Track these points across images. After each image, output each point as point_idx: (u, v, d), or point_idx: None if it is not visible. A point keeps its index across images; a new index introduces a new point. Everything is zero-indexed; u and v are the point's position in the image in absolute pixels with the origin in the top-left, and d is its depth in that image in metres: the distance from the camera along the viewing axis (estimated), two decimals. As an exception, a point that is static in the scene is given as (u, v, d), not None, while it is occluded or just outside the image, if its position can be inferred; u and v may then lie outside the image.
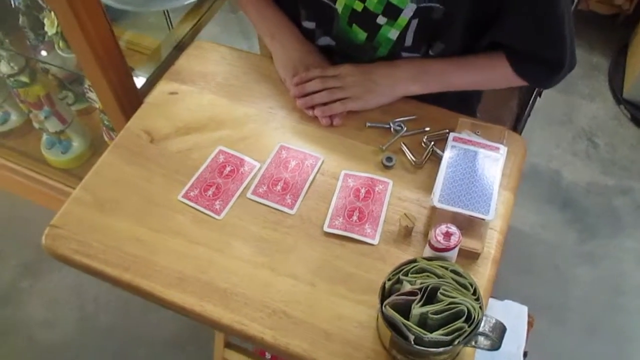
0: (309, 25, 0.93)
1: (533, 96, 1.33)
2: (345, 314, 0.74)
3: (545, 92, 1.50)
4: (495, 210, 0.79)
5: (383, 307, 0.65)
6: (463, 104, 1.00)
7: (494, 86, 1.03)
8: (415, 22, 0.84)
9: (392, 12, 0.83)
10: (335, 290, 0.76)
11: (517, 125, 1.36)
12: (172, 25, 1.54)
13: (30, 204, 1.72)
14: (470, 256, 0.78)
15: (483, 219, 0.77)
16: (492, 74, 0.94)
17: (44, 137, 1.65)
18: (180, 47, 1.18)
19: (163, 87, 0.97)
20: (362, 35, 0.89)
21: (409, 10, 0.82)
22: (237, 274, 0.77)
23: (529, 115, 1.35)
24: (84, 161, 1.67)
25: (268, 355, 1.33)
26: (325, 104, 0.91)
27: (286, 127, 0.92)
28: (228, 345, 1.28)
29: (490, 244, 0.80)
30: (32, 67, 1.47)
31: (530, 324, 1.27)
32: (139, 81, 1.15)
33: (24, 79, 1.46)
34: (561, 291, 1.61)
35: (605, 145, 1.89)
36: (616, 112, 1.97)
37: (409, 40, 0.88)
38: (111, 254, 0.79)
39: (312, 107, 0.92)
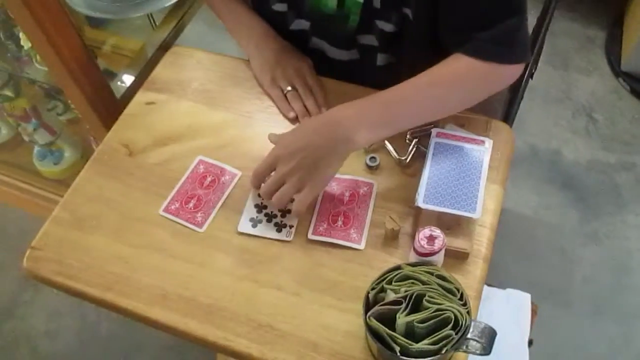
0: (280, 7, 0.90)
1: (525, 77, 1.29)
2: (332, 324, 0.72)
3: (540, 69, 1.46)
4: (483, 207, 0.76)
5: (367, 319, 0.63)
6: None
7: (474, 95, 0.83)
8: None
9: None
10: (321, 300, 0.74)
11: (510, 109, 1.32)
12: (155, 25, 1.52)
13: (26, 215, 1.71)
14: (459, 256, 0.75)
15: (470, 218, 0.75)
16: (462, 80, 0.80)
17: (36, 149, 1.64)
18: (164, 47, 1.15)
19: (140, 97, 0.95)
20: (331, 2, 0.86)
21: None
22: (220, 288, 0.75)
23: (521, 97, 1.31)
24: (77, 170, 1.64)
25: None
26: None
27: (266, 131, 0.90)
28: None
29: (481, 242, 0.77)
30: (15, 80, 1.45)
31: (534, 312, 1.25)
32: (123, 86, 1.13)
33: (8, 93, 1.44)
34: (565, 274, 1.58)
35: (605, 120, 1.85)
36: (615, 85, 1.92)
37: (377, 2, 0.83)
38: (92, 273, 0.78)
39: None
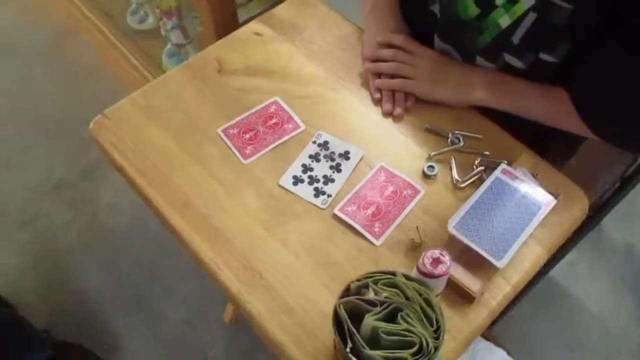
0: None
1: (646, 167, 1.17)
2: (314, 299, 0.71)
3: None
4: (515, 263, 0.71)
5: (337, 305, 0.61)
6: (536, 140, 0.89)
7: (560, 126, 0.86)
8: (532, 16, 0.75)
9: None
10: (316, 272, 0.73)
11: (616, 194, 1.21)
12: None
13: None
14: (464, 296, 0.71)
15: (493, 264, 0.70)
16: (558, 110, 0.82)
17: (168, 46, 1.76)
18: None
19: (252, 26, 0.98)
20: (473, 10, 0.81)
21: None
22: (234, 220, 0.77)
23: (633, 186, 1.19)
24: (193, 79, 1.75)
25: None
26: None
27: (347, 101, 0.90)
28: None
29: (495, 295, 0.72)
30: (173, -22, 1.56)
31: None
32: (246, 16, 1.17)
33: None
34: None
35: None
36: None
37: (517, 37, 0.78)
38: (137, 156, 0.83)
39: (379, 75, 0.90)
